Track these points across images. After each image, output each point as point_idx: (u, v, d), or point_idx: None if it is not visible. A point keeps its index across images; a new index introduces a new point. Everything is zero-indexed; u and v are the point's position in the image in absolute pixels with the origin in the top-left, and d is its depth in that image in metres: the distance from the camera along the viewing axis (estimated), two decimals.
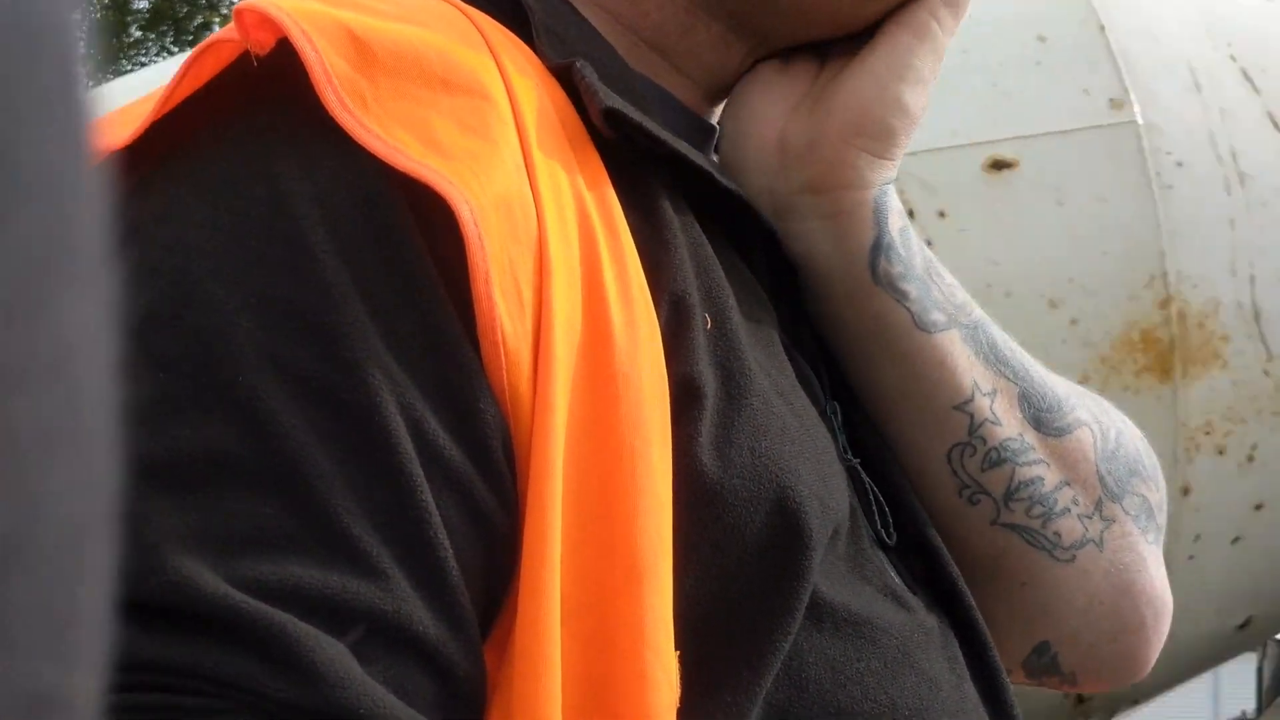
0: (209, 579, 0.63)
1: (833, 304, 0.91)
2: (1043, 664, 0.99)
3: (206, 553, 0.64)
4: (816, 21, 0.90)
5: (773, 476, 0.77)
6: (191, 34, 15.26)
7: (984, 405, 0.91)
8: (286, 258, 0.69)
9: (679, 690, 0.71)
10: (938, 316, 0.90)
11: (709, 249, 0.82)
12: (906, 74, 0.89)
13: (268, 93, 0.73)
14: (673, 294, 0.77)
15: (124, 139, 0.72)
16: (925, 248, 0.92)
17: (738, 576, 0.76)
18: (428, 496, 0.67)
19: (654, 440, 0.73)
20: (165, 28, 14.94)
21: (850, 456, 0.88)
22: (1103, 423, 0.97)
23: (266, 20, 0.71)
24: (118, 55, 16.83)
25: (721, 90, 0.93)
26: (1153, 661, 1.01)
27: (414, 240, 0.70)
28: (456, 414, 0.69)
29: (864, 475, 0.88)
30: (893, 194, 0.90)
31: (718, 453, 0.76)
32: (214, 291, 0.69)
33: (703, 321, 0.78)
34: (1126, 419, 1.01)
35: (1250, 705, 9.67)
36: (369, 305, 0.68)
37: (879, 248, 0.89)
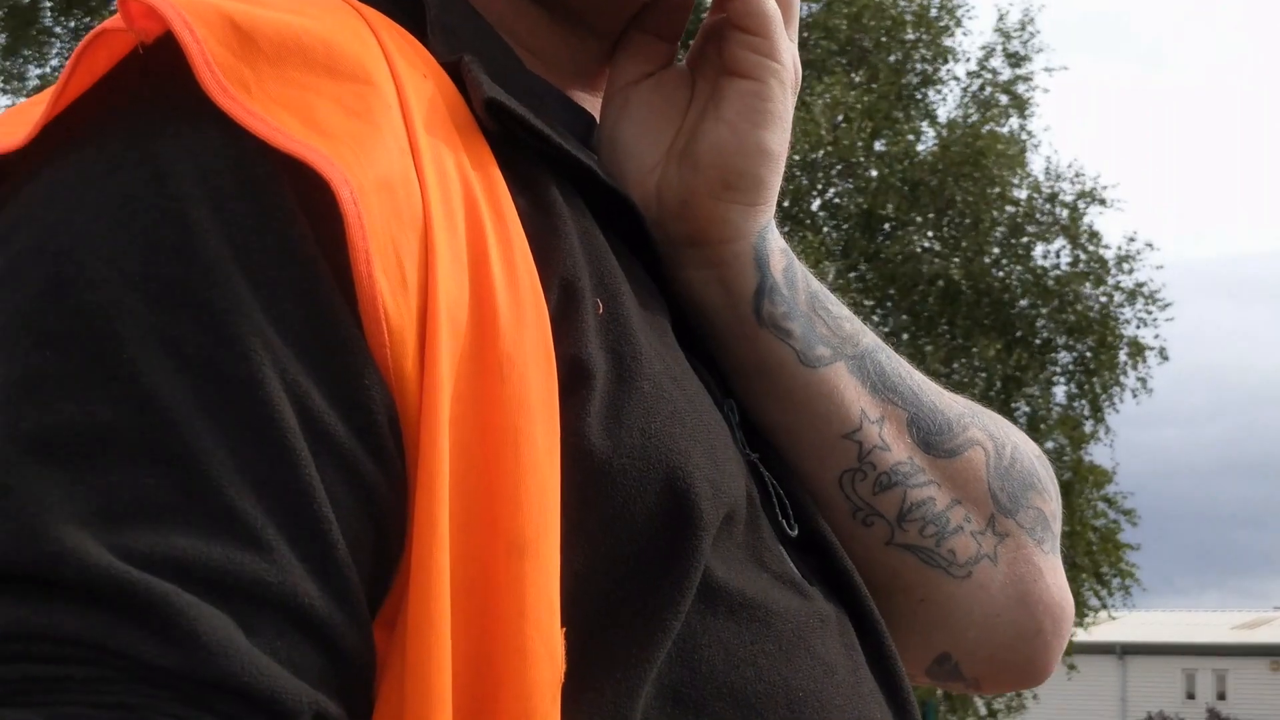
0: (94, 550, 0.64)
1: (720, 343, 0.95)
2: (944, 671, 1.03)
3: (91, 524, 0.64)
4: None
5: (663, 457, 0.79)
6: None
7: (872, 432, 0.94)
8: (170, 236, 0.70)
9: (563, 666, 0.72)
10: (823, 351, 0.93)
11: (600, 238, 0.84)
12: (760, 118, 0.92)
13: (152, 80, 0.74)
14: (562, 278, 0.79)
15: (20, 141, 0.75)
16: (812, 281, 0.95)
17: (628, 556, 0.77)
18: (312, 470, 0.68)
19: (538, 420, 0.74)
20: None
21: (749, 451, 0.91)
22: (998, 440, 1.01)
23: (151, 10, 0.73)
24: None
25: (596, 81, 0.98)
26: (1054, 666, 1.05)
27: (296, 218, 0.71)
28: (341, 389, 0.70)
29: (763, 470, 0.91)
30: (772, 234, 0.93)
31: (607, 433, 0.77)
32: (99, 270, 0.69)
33: (594, 306, 0.80)
34: (1023, 435, 1.05)
35: None
36: (252, 282, 0.69)
37: (762, 292, 0.92)
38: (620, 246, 0.88)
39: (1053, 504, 1.04)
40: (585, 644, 0.75)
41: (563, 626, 0.73)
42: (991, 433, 1.01)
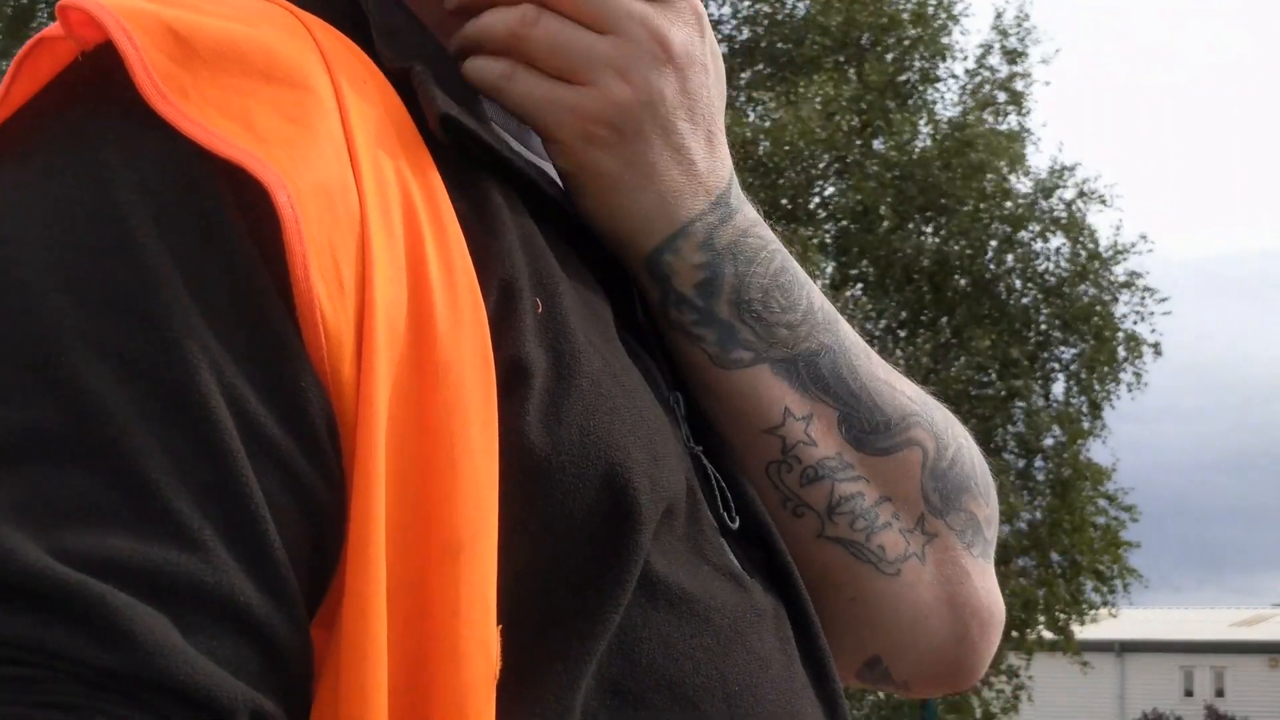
0: (31, 551, 0.64)
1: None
2: (875, 674, 1.04)
3: (29, 526, 0.65)
4: None
5: (602, 454, 0.80)
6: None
7: (797, 429, 0.97)
8: (108, 242, 0.70)
9: (498, 663, 0.73)
10: (741, 354, 0.96)
11: (540, 239, 0.85)
12: (625, 181, 0.93)
13: (92, 87, 0.75)
14: (501, 279, 0.80)
15: None
16: (754, 286, 0.96)
17: (568, 552, 0.78)
18: (248, 471, 0.69)
19: (474, 421, 0.75)
20: None
21: (693, 444, 0.93)
22: (942, 441, 1.02)
23: (90, 18, 0.74)
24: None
25: None
26: (982, 669, 1.06)
27: (234, 223, 0.72)
28: (278, 393, 0.71)
29: (706, 462, 0.93)
30: (685, 244, 0.95)
31: (546, 430, 0.78)
32: (38, 277, 0.70)
33: (533, 305, 0.81)
34: (969, 436, 1.06)
35: None
36: (190, 287, 0.70)
37: (666, 302, 0.95)
38: (566, 248, 0.89)
39: (987, 509, 1.05)
40: (527, 639, 0.76)
41: (504, 622, 0.74)
42: (937, 433, 1.02)
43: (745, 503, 0.94)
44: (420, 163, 0.81)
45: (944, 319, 17.49)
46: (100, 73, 0.74)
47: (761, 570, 0.92)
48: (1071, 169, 17.63)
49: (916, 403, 1.02)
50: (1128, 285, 17.86)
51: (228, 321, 0.70)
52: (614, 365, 0.85)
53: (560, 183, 0.94)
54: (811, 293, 1.00)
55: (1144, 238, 21.53)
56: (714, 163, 0.96)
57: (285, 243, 0.71)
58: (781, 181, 16.85)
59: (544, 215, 0.89)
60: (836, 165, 17.29)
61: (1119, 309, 17.83)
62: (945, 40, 18.06)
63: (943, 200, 17.15)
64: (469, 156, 0.85)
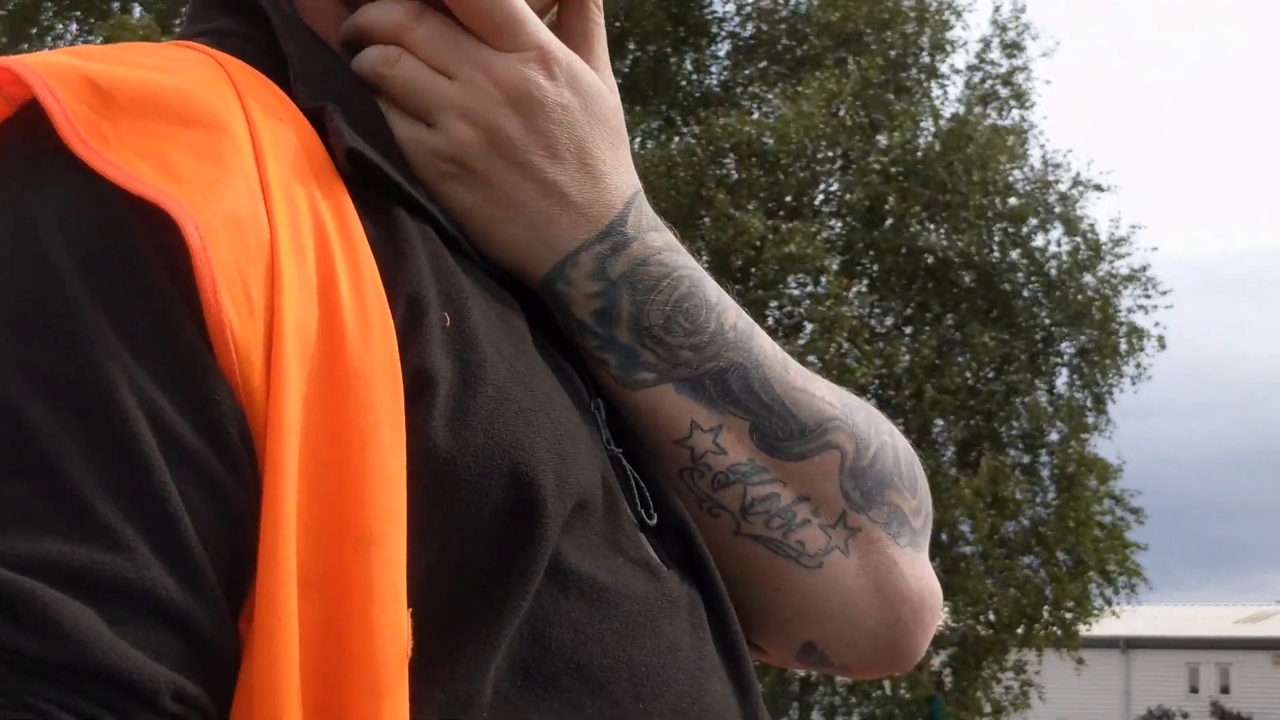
0: None
1: None
2: (813, 659, 1.12)
3: None
4: None
5: (506, 454, 0.87)
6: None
7: (705, 440, 1.04)
8: (32, 275, 0.79)
9: (410, 644, 0.81)
10: (644, 376, 1.03)
11: (450, 261, 0.94)
12: (489, 214, 0.99)
13: (21, 137, 0.84)
14: (408, 295, 0.88)
15: None
16: (657, 311, 1.02)
17: (476, 548, 0.85)
18: (166, 476, 0.77)
19: (384, 425, 0.82)
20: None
21: (614, 446, 1.00)
22: (863, 441, 1.09)
23: (16, 77, 0.84)
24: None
25: None
26: (920, 651, 1.13)
27: (149, 255, 0.80)
28: (192, 404, 0.79)
29: (625, 463, 1.00)
30: (577, 282, 1.01)
31: (451, 434, 0.86)
32: None
33: (441, 319, 0.89)
34: (896, 432, 1.13)
35: None
36: (108, 312, 0.78)
37: (570, 328, 1.02)
38: (480, 270, 0.98)
39: (914, 500, 1.11)
40: (439, 626, 0.83)
41: (417, 610, 0.82)
42: (857, 435, 1.09)
43: (664, 501, 1.01)
44: (333, 191, 0.89)
45: (948, 315, 17.48)
46: (28, 124, 0.83)
47: (680, 562, 0.99)
48: (1066, 155, 17.60)
49: (836, 407, 1.09)
50: (1131, 279, 17.87)
51: (144, 342, 0.79)
52: (523, 373, 0.92)
53: None
54: (723, 314, 1.05)
55: (1135, 227, 21.45)
56: (596, 193, 1.02)
57: (195, 270, 0.80)
58: (785, 178, 16.85)
59: (451, 242, 0.97)
60: (840, 161, 17.28)
61: (1124, 301, 17.85)
62: (948, 35, 18.06)
63: (946, 197, 17.15)
64: (377, 188, 0.93)
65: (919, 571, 1.11)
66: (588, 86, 1.03)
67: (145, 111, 0.83)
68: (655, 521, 0.99)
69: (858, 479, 1.07)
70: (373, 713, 0.79)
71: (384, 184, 0.93)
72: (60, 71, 0.83)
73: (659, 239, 1.04)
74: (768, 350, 1.07)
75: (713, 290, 1.06)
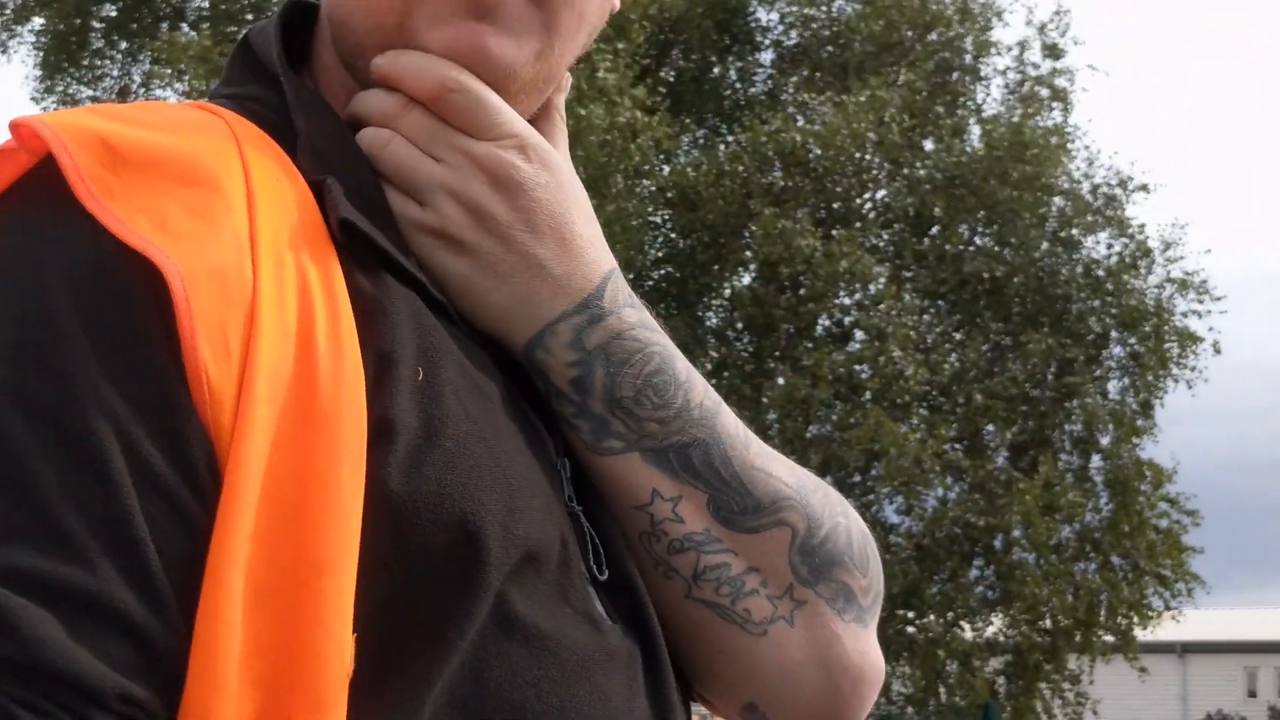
0: None
1: None
2: (755, 718, 1.17)
3: None
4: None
5: (455, 503, 0.95)
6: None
7: (664, 508, 1.10)
8: (31, 310, 0.89)
9: (352, 664, 0.89)
10: (613, 444, 1.10)
11: (431, 320, 1.02)
12: (475, 284, 1.07)
13: (38, 188, 0.94)
14: (380, 349, 0.96)
15: None
16: (629, 385, 1.09)
17: (422, 586, 0.93)
18: (134, 500, 0.86)
19: (346, 464, 0.91)
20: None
21: (574, 505, 1.07)
22: (816, 520, 1.15)
23: (35, 133, 0.93)
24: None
25: None
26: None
27: (138, 300, 0.90)
28: (164, 436, 0.88)
29: (584, 520, 1.07)
30: (555, 343, 1.08)
31: (407, 480, 0.93)
32: None
33: (413, 373, 0.97)
34: (851, 514, 1.20)
35: None
36: (95, 350, 0.88)
37: (549, 395, 1.10)
38: (468, 339, 1.05)
39: (864, 580, 1.18)
40: (381, 655, 0.91)
41: (363, 638, 0.90)
42: (810, 515, 1.15)
43: (617, 559, 1.08)
44: (322, 252, 0.97)
45: (997, 324, 17.39)
46: (45, 177, 0.93)
47: (625, 618, 1.06)
48: (1112, 156, 17.47)
49: (792, 487, 1.15)
50: (1185, 284, 17.73)
51: (125, 379, 0.88)
52: (486, 431, 0.99)
53: None
54: (689, 391, 1.12)
55: (1183, 226, 21.16)
56: (574, 267, 1.09)
57: (177, 317, 0.89)
58: (831, 184, 16.80)
59: (437, 308, 1.05)
60: (889, 169, 17.22)
61: (1179, 305, 17.71)
62: (990, 35, 17.98)
63: (995, 206, 17.07)
64: (371, 256, 1.02)
65: (862, 646, 1.17)
66: (561, 169, 1.11)
67: (150, 169, 0.93)
68: (606, 577, 1.06)
69: (807, 555, 1.14)
70: None
71: (375, 252, 1.02)
72: (76, 130, 0.93)
73: (634, 315, 1.11)
74: (730, 428, 1.14)
75: (682, 367, 1.13)
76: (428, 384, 0.97)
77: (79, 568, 0.84)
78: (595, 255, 1.11)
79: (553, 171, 1.11)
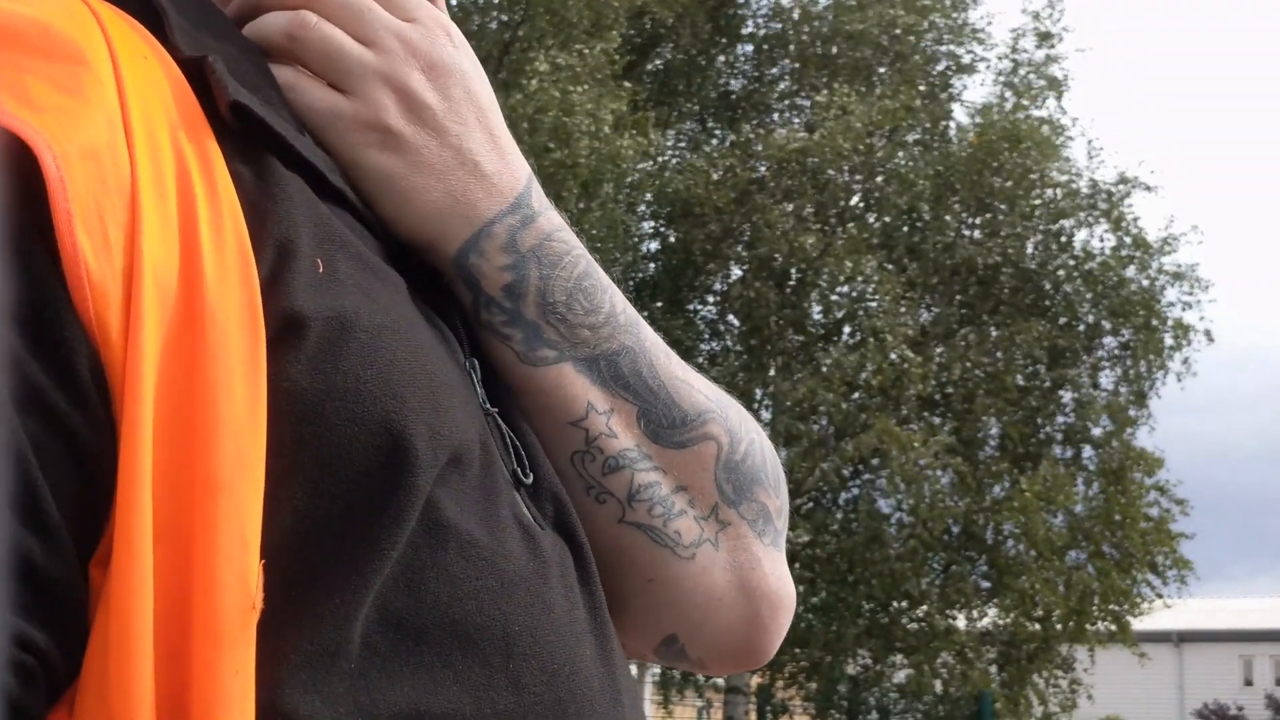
0: None
1: None
2: (672, 652, 1.13)
3: None
4: None
5: (377, 401, 0.86)
6: None
7: (599, 422, 1.05)
8: None
9: (258, 595, 0.79)
10: (546, 353, 1.04)
11: (324, 209, 0.92)
12: (410, 183, 0.99)
13: None
14: (278, 239, 0.86)
15: None
16: (559, 289, 1.04)
17: (346, 491, 0.84)
18: (14, 416, 0.75)
19: (236, 370, 0.81)
20: None
21: (489, 406, 0.99)
22: (736, 436, 1.10)
23: None
24: None
25: None
26: (772, 650, 1.15)
27: (5, 183, 0.77)
28: (41, 340, 0.76)
29: (501, 422, 1.00)
30: (490, 254, 1.02)
31: (321, 378, 0.84)
32: None
33: (313, 264, 0.87)
34: (762, 433, 1.14)
35: None
36: None
37: (478, 304, 1.03)
38: (359, 224, 0.97)
39: (778, 500, 1.13)
40: (304, 573, 0.82)
41: (282, 556, 0.81)
42: (731, 429, 1.10)
43: (537, 462, 1.01)
44: (199, 134, 0.86)
45: (990, 314, 17.39)
46: None
47: (551, 523, 0.99)
48: (1100, 152, 17.50)
49: (712, 400, 1.10)
50: (1178, 276, 17.75)
51: None
52: (399, 323, 0.90)
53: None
54: (614, 297, 1.07)
55: (1195, 228, 21.28)
56: (503, 165, 1.03)
57: (50, 199, 0.77)
58: (826, 186, 16.78)
59: (336, 199, 0.96)
60: (877, 166, 17.20)
61: (1169, 295, 17.73)
62: (970, 17, 17.97)
63: (986, 197, 17.07)
64: (260, 141, 0.91)
65: (779, 570, 1.13)
66: (475, 58, 1.05)
67: (5, 44, 0.81)
68: (531, 480, 0.99)
69: (730, 473, 1.09)
70: (214, 661, 0.78)
71: (267, 137, 0.91)
72: None
73: (556, 218, 1.06)
74: (651, 337, 1.09)
75: (603, 273, 1.08)
76: (330, 274, 0.88)
77: None
78: (517, 154, 1.05)
79: (474, 60, 1.04)
